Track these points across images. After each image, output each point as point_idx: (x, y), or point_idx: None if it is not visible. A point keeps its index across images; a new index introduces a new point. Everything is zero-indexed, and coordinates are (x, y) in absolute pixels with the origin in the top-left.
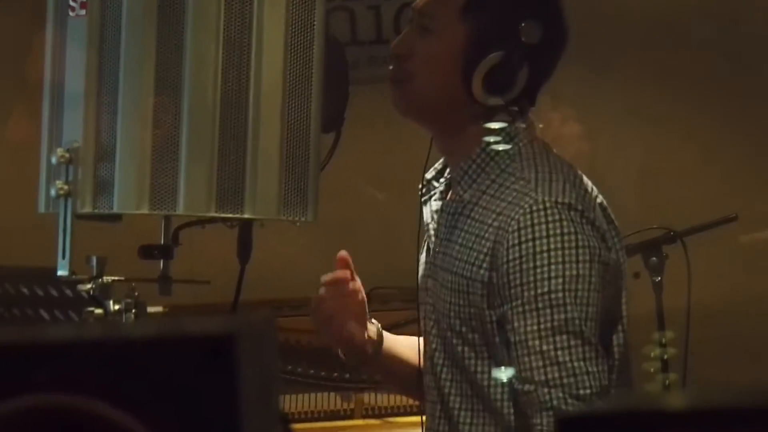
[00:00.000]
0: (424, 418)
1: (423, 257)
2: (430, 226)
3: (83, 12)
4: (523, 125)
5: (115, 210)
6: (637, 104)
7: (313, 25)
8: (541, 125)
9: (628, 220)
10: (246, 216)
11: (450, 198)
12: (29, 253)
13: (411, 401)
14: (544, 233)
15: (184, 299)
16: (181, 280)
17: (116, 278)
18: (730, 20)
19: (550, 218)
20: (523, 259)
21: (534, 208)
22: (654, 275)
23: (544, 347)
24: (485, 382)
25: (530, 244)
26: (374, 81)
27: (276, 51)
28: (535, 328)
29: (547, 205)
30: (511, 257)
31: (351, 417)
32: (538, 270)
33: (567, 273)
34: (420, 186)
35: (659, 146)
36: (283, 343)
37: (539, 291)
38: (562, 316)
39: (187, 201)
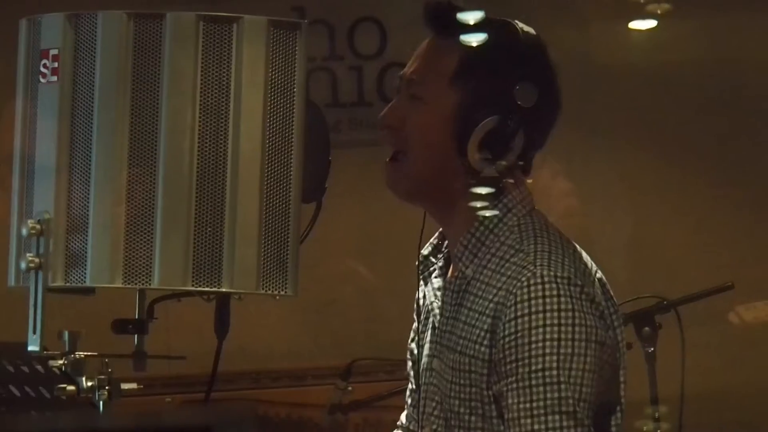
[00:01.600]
0: None
1: (428, 336)
2: (434, 304)
3: (54, 78)
4: (520, 195)
5: (88, 283)
6: (628, 170)
7: (294, 89)
8: (530, 180)
9: (620, 289)
10: (224, 290)
11: (452, 275)
12: None
13: None
14: (541, 308)
15: (161, 371)
16: (157, 356)
17: (89, 354)
18: (725, 88)
19: (548, 293)
20: (519, 334)
21: (532, 281)
22: (647, 346)
23: (536, 427)
24: None
25: (526, 318)
26: (356, 144)
27: (255, 117)
28: (528, 406)
29: (545, 279)
30: (507, 332)
31: None
32: (533, 346)
33: (562, 351)
34: (417, 263)
35: (651, 213)
36: (261, 416)
37: (533, 368)
38: (555, 395)
39: (163, 274)
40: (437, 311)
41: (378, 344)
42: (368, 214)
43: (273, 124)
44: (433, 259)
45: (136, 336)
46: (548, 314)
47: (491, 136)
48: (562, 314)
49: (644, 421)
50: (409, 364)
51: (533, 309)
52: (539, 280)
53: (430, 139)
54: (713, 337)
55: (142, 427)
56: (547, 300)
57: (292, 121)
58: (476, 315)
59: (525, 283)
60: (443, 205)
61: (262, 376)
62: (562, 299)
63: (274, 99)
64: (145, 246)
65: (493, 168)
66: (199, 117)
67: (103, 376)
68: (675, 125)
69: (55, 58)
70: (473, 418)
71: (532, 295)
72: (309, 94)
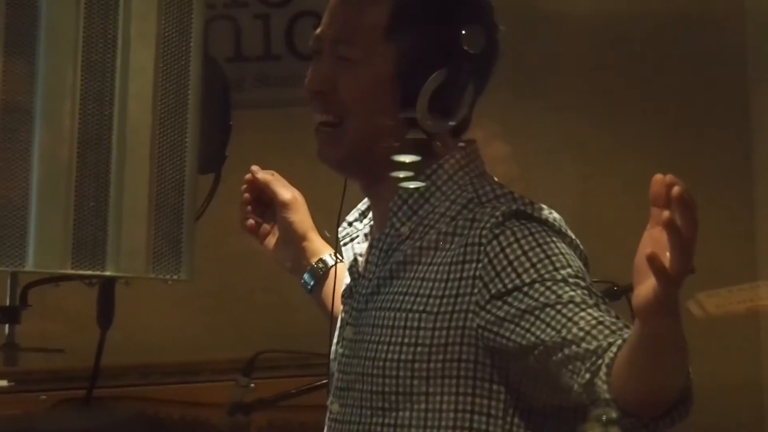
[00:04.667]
0: None
1: (339, 310)
2: (353, 269)
3: None
4: (472, 153)
5: None
6: (573, 137)
7: (189, 42)
8: (462, 144)
9: None
10: (108, 273)
11: (380, 232)
12: None
13: None
14: (527, 233)
15: (36, 365)
16: (31, 349)
17: None
18: (682, 44)
19: (528, 226)
20: (516, 262)
21: (501, 219)
22: None
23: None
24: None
25: (515, 246)
26: (263, 104)
27: (145, 75)
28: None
29: (521, 215)
30: (499, 267)
31: None
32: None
33: (574, 264)
34: (340, 228)
35: (599, 186)
36: (151, 416)
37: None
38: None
39: (38, 256)
40: (356, 276)
41: (285, 335)
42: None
43: (166, 83)
44: (359, 225)
45: (6, 326)
46: (536, 238)
47: (442, 91)
48: (552, 245)
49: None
50: None
51: (519, 235)
52: (512, 216)
53: (368, 104)
54: None
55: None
56: (534, 230)
57: (188, 79)
58: (425, 268)
59: (500, 219)
60: (380, 174)
61: (152, 371)
62: (542, 232)
63: (167, 54)
64: (18, 223)
65: (445, 127)
66: (81, 76)
67: None
68: (626, 86)
69: None
70: (415, 381)
71: (515, 226)
72: (207, 48)
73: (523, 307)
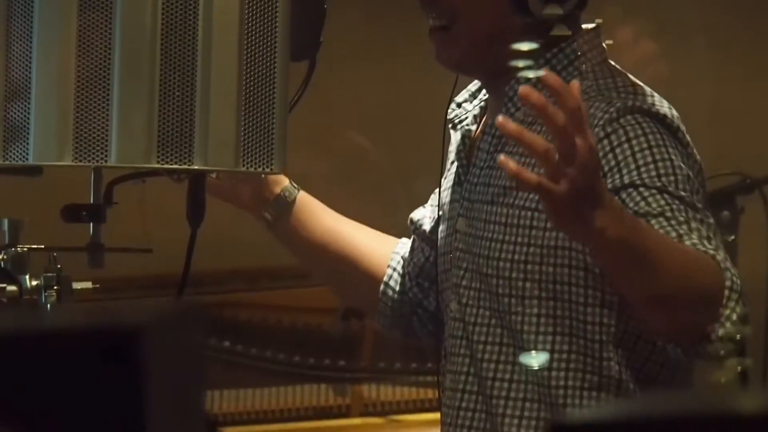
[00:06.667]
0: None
1: (449, 194)
2: (460, 155)
3: None
4: (591, 41)
5: (31, 161)
6: (705, 25)
7: None
8: (610, 41)
9: None
10: (196, 167)
11: (492, 118)
12: None
13: (421, 394)
14: (640, 132)
15: (123, 270)
16: (117, 249)
17: (34, 246)
18: None
19: (643, 125)
20: (623, 162)
21: (616, 115)
22: (726, 233)
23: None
24: (532, 342)
25: (626, 146)
26: None
27: None
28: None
29: (635, 111)
30: (606, 168)
31: (347, 415)
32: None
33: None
34: (449, 110)
35: (732, 75)
36: (259, 322)
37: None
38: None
39: (122, 149)
40: (465, 162)
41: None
42: (383, 78)
43: None
44: (467, 106)
45: (91, 225)
46: (648, 137)
47: None
48: (661, 147)
49: (720, 324)
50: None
51: (630, 135)
52: (625, 112)
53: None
54: None
55: (48, 327)
56: (645, 128)
57: None
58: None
59: (614, 115)
60: (499, 69)
61: (261, 275)
62: (656, 133)
63: None
64: (99, 114)
65: (562, 14)
66: None
67: (50, 274)
68: None
69: None
70: (528, 284)
71: (623, 123)
72: None
73: None
